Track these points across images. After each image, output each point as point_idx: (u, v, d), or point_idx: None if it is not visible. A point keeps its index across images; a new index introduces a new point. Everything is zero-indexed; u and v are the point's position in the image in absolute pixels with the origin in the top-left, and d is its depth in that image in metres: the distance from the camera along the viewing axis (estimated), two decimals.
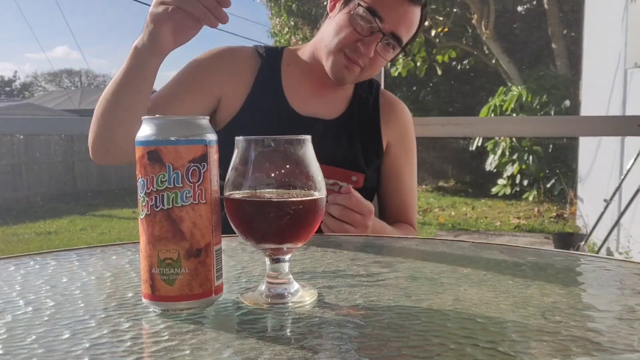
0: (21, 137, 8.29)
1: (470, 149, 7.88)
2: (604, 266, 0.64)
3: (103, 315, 0.48)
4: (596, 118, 1.81)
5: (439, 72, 8.50)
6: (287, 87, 1.11)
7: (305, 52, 1.14)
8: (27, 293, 0.55)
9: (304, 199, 0.50)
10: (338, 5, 1.07)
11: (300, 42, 5.85)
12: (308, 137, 0.52)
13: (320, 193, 0.51)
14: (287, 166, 0.51)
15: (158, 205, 0.47)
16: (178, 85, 1.05)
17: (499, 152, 7.19)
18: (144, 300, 0.49)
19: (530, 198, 7.47)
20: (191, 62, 1.09)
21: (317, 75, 1.11)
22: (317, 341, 0.42)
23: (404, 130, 1.18)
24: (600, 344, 0.41)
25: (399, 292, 0.54)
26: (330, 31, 1.05)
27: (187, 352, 0.40)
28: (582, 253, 0.72)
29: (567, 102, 7.05)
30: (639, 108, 4.18)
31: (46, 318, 0.48)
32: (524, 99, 6.95)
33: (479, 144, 7.59)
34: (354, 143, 1.11)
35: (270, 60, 1.12)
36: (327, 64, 1.07)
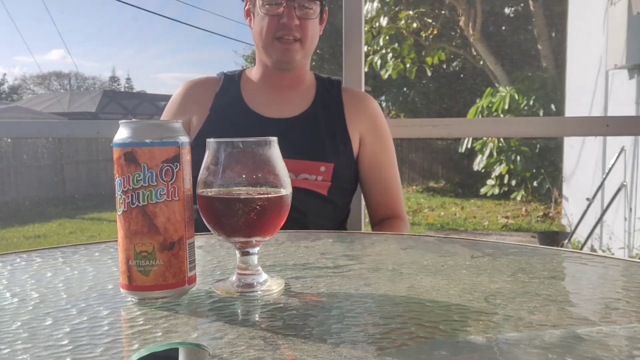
0: (9, 140, 8.24)
1: (460, 150, 7.96)
2: (554, 257, 0.69)
3: (84, 305, 0.52)
4: (566, 119, 1.87)
5: (429, 74, 8.60)
6: (247, 95, 1.20)
7: (256, 66, 1.24)
8: (13, 286, 0.59)
9: (269, 195, 0.55)
10: (251, 14, 1.20)
11: None
12: (274, 139, 0.56)
13: (285, 190, 0.56)
14: (255, 165, 0.55)
15: (134, 202, 0.51)
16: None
17: (487, 152, 7.28)
18: (122, 290, 0.53)
19: (519, 198, 7.56)
20: (169, 101, 1.25)
21: (272, 80, 1.21)
22: (278, 323, 0.46)
23: (373, 117, 1.22)
24: (530, 322, 0.45)
25: (360, 282, 0.58)
26: (257, 33, 1.17)
27: (160, 334, 0.44)
28: (536, 246, 0.77)
29: (553, 107, 7.17)
30: (619, 108, 4.28)
31: (31, 307, 0.52)
32: (513, 100, 7.03)
33: (468, 146, 7.67)
34: (320, 134, 1.16)
35: (230, 78, 1.24)
36: (270, 58, 1.16)
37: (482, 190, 7.72)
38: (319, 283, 0.58)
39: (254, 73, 1.23)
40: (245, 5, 1.20)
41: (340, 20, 1.41)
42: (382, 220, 1.21)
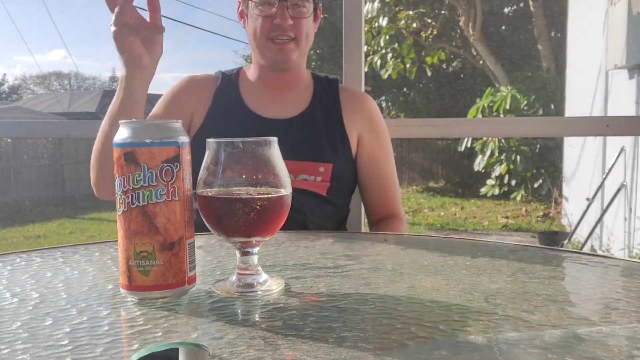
0: (9, 140, 8.24)
1: (460, 149, 7.97)
2: (554, 257, 0.69)
3: (84, 305, 0.52)
4: (566, 119, 1.87)
5: (429, 74, 8.60)
6: (246, 94, 1.19)
7: (252, 66, 1.24)
8: (13, 286, 0.59)
9: (269, 195, 0.55)
10: (245, 15, 1.18)
11: None
12: (274, 139, 0.56)
13: (285, 190, 0.56)
14: (255, 165, 0.55)
15: (134, 202, 0.51)
16: (158, 111, 1.19)
17: (488, 152, 7.28)
18: (122, 290, 0.53)
19: (518, 198, 7.56)
20: (167, 91, 1.22)
21: (269, 80, 1.20)
22: (278, 323, 0.46)
23: (371, 116, 1.22)
24: (530, 322, 0.45)
25: (360, 282, 0.58)
26: (251, 34, 1.16)
27: (160, 334, 0.44)
28: (536, 246, 0.77)
29: (553, 107, 7.18)
30: (619, 108, 4.28)
31: (31, 307, 0.52)
32: (514, 100, 7.03)
33: (468, 145, 7.68)
34: (318, 135, 1.16)
35: (228, 77, 1.23)
36: (266, 58, 1.15)
37: (482, 190, 7.72)
38: (319, 283, 0.58)
39: (251, 73, 1.23)
40: (239, 7, 1.19)
41: (340, 20, 1.41)
42: (380, 220, 1.21)
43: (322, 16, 1.23)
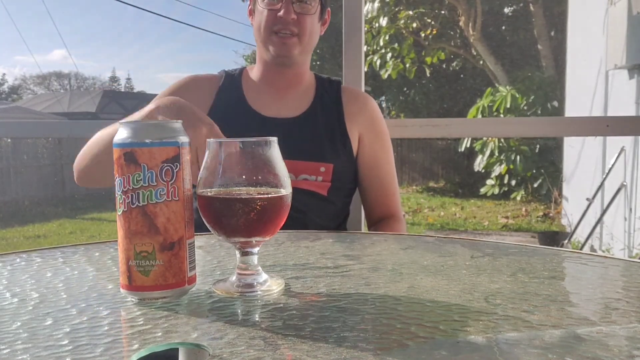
0: (9, 140, 8.24)
1: (460, 150, 7.97)
2: (554, 257, 0.69)
3: (84, 305, 0.52)
4: (566, 119, 1.87)
5: (428, 74, 8.60)
6: (248, 93, 1.20)
7: (256, 64, 1.24)
8: (13, 287, 0.59)
9: (269, 195, 0.55)
10: (253, 12, 1.20)
11: None
12: (274, 139, 0.56)
13: (285, 190, 0.56)
14: (255, 165, 0.55)
15: (134, 202, 0.51)
16: None
17: (488, 152, 7.27)
18: (122, 290, 0.53)
19: (518, 198, 7.56)
20: (168, 88, 1.20)
21: (272, 78, 1.21)
22: (278, 323, 0.46)
23: (372, 117, 1.22)
24: (530, 322, 0.45)
25: (360, 282, 0.58)
26: (256, 28, 1.17)
27: (159, 334, 0.44)
28: (536, 246, 0.77)
29: (555, 103, 7.17)
30: (619, 108, 4.28)
31: (31, 307, 0.52)
32: (514, 99, 7.02)
33: (468, 145, 7.68)
34: (319, 135, 1.17)
35: (231, 76, 1.23)
36: (269, 53, 1.16)
37: (482, 190, 7.72)
38: (319, 283, 0.58)
39: (255, 72, 1.23)
40: (249, 5, 1.21)
41: (340, 20, 1.41)
42: (380, 220, 1.21)
43: (329, 21, 1.24)
